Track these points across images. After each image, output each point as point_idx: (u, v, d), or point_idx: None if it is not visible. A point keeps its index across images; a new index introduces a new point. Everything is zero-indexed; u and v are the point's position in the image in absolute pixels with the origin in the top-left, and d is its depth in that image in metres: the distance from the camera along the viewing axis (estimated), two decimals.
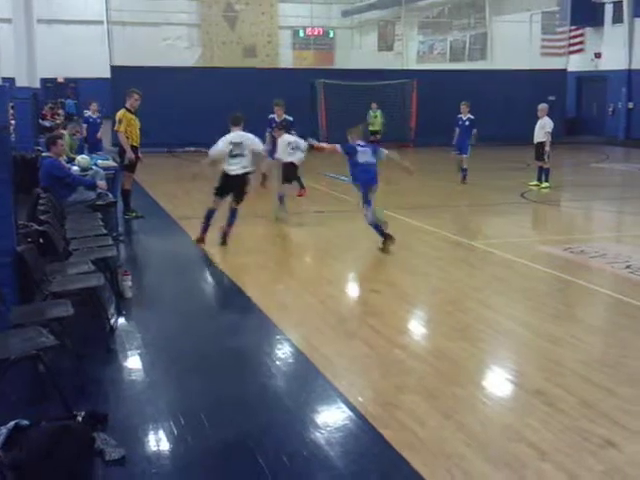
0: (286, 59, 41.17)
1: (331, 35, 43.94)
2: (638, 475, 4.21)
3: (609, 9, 28.96)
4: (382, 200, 14.39)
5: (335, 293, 8.23)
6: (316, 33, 43.05)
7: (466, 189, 16.13)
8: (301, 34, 42.83)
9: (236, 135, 10.34)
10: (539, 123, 16.18)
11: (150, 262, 10.25)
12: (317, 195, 15.51)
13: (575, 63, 30.42)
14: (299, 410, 5.16)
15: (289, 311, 7.56)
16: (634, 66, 28.22)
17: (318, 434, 4.74)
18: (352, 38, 45.51)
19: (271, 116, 15.31)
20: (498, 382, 5.80)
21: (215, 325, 7.21)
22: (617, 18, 28.66)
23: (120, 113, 12.37)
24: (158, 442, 4.68)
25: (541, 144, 16.08)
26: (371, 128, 25.26)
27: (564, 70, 29.56)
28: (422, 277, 9.00)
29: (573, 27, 29.80)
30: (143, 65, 25.30)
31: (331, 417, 5.04)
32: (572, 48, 30.42)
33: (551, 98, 27.46)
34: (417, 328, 7.29)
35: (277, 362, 6.10)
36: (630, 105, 28.37)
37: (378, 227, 10.13)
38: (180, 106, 24.20)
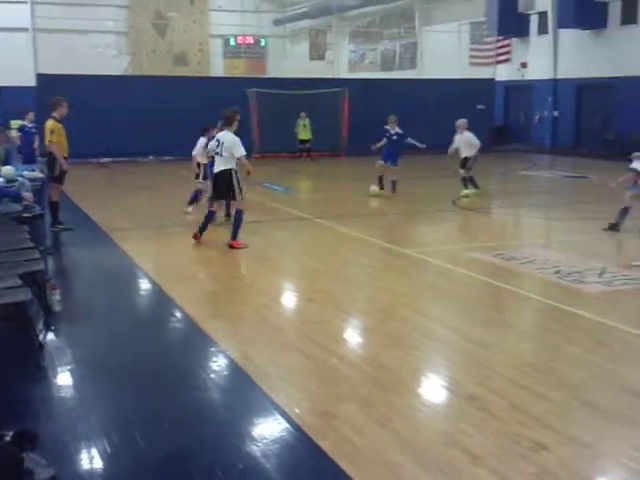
0: (217, 68, 41.04)
1: (263, 44, 43.99)
2: (568, 477, 4.30)
3: (534, 20, 29.76)
4: (315, 209, 14.50)
5: (270, 303, 8.19)
6: (247, 42, 43.03)
7: (397, 197, 16.30)
8: (232, 42, 42.75)
9: (221, 134, 10.86)
10: (462, 138, 16.37)
11: (80, 275, 10.05)
12: (253, 205, 15.45)
13: (503, 73, 31.13)
14: (235, 423, 5.11)
15: (224, 322, 7.51)
16: (559, 75, 29.04)
17: (254, 447, 4.71)
18: (284, 47, 45.61)
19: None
20: (432, 389, 5.86)
21: (148, 339, 7.09)
22: (542, 29, 29.47)
23: (50, 124, 12.07)
24: (91, 460, 4.58)
25: (467, 158, 16.33)
26: (300, 137, 25.39)
27: (492, 79, 30.22)
28: (356, 286, 9.04)
29: (500, 37, 30.51)
30: (70, 73, 24.87)
31: (267, 429, 5.01)
32: (499, 58, 31.16)
33: (480, 107, 28.08)
34: (353, 337, 7.32)
35: (212, 375, 6.04)
36: (555, 114, 29.18)
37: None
38: (108, 115, 23.84)
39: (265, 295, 8.49)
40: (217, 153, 10.76)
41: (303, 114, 25.28)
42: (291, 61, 42.99)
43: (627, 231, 12.06)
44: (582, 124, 28.27)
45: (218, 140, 10.79)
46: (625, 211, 11.68)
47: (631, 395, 5.44)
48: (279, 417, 5.13)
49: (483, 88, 29.37)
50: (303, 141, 25.42)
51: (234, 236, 10.76)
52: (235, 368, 6.12)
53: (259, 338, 6.88)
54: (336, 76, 35.20)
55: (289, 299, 8.84)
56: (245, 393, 5.62)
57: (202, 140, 13.49)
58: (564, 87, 28.70)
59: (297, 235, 12.07)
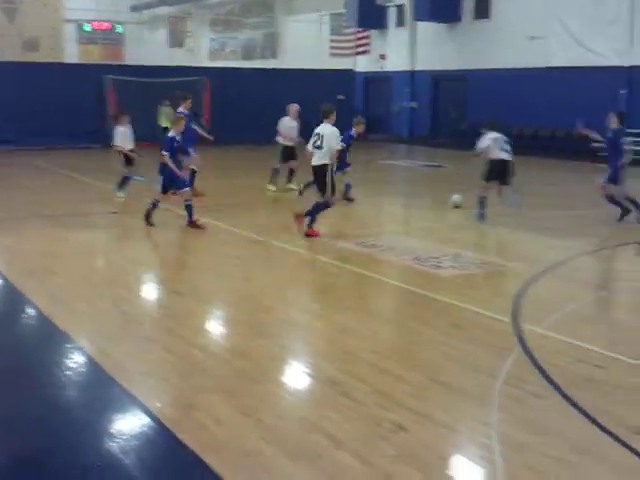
0: (71, 54, 39.55)
1: (119, 30, 42.77)
2: (427, 456, 4.43)
3: (393, 12, 30.44)
4: (178, 199, 14.22)
5: (131, 297, 7.99)
6: (103, 27, 41.74)
7: (260, 187, 16.24)
8: (87, 28, 41.33)
9: (320, 127, 10.56)
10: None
11: None
12: (107, 196, 15.02)
13: (362, 64, 31.69)
14: (92, 420, 4.94)
15: (81, 318, 7.24)
16: (416, 67, 29.88)
17: (113, 444, 4.57)
18: (142, 34, 44.54)
19: None
20: (295, 376, 5.89)
21: None
22: (400, 21, 30.21)
23: None
24: None
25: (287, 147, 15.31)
26: (164, 125, 24.87)
27: (352, 70, 30.71)
28: (221, 277, 8.96)
29: (360, 29, 31.02)
30: None
31: (127, 425, 4.88)
32: (359, 49, 31.68)
33: (340, 97, 28.45)
34: (216, 328, 7.25)
35: (67, 372, 5.81)
36: (413, 104, 30.01)
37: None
38: None
39: (125, 288, 8.27)
40: (318, 147, 10.49)
41: (166, 102, 24.76)
42: (149, 48, 42.06)
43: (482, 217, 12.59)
44: (438, 115, 29.25)
45: (318, 133, 10.53)
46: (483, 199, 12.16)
47: (483, 374, 5.67)
48: (139, 412, 5.01)
49: (343, 79, 29.82)
50: (165, 129, 24.92)
51: (310, 222, 10.63)
52: (93, 364, 5.92)
53: (118, 333, 6.69)
54: (197, 65, 34.70)
55: (150, 292, 8.66)
56: (103, 389, 5.46)
57: (121, 130, 13.71)
58: (421, 79, 29.56)
59: (159, 226, 11.80)
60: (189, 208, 11.33)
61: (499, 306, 7.34)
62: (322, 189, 10.65)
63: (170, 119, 22.19)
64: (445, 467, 4.37)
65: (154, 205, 11.38)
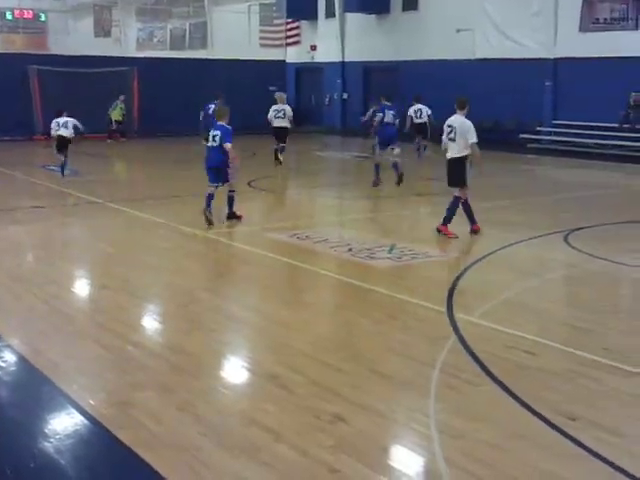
0: None
1: (43, 19, 41.66)
2: (365, 445, 4.45)
3: (322, 3, 30.46)
4: (106, 192, 14.00)
5: (61, 293, 7.81)
6: (26, 16, 40.56)
7: (191, 178, 16.05)
8: (9, 16, 40.10)
9: (453, 118, 10.35)
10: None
11: None
12: (32, 189, 14.67)
13: (293, 55, 31.63)
14: (24, 420, 4.83)
15: (9, 315, 7.06)
16: (347, 58, 29.97)
17: (47, 443, 4.46)
18: (66, 23, 43.44)
19: None
20: (233, 370, 5.86)
21: None
22: (330, 13, 30.24)
23: None
24: None
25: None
26: (116, 118, 24.87)
27: (283, 61, 30.62)
28: (153, 270, 8.84)
29: (289, 20, 30.94)
30: None
31: (60, 424, 4.77)
32: (289, 40, 31.61)
33: (272, 88, 28.30)
34: (150, 323, 7.14)
35: None
36: (345, 96, 30.12)
37: None
38: None
39: (54, 284, 8.07)
40: (452, 139, 10.27)
41: (122, 97, 24.88)
42: (74, 38, 41.05)
43: (411, 207, 12.75)
44: (370, 106, 29.38)
45: (450, 125, 10.31)
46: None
47: (419, 364, 5.73)
48: (73, 410, 4.90)
49: (274, 70, 29.71)
50: (117, 122, 24.93)
51: (445, 221, 10.27)
52: (23, 363, 5.78)
53: (49, 330, 6.53)
54: (124, 54, 34.05)
55: (81, 287, 8.48)
56: (35, 388, 5.33)
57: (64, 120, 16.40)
58: (352, 70, 29.67)
59: (87, 220, 11.59)
60: (232, 199, 11.21)
61: (434, 296, 7.42)
62: (458, 182, 10.42)
63: (122, 115, 23.00)
64: (385, 456, 4.41)
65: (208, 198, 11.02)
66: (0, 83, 23.41)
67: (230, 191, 11.20)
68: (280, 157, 17.70)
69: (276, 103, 18.02)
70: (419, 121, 19.40)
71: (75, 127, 16.51)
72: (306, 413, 4.86)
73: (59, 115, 16.81)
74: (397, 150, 15.00)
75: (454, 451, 4.36)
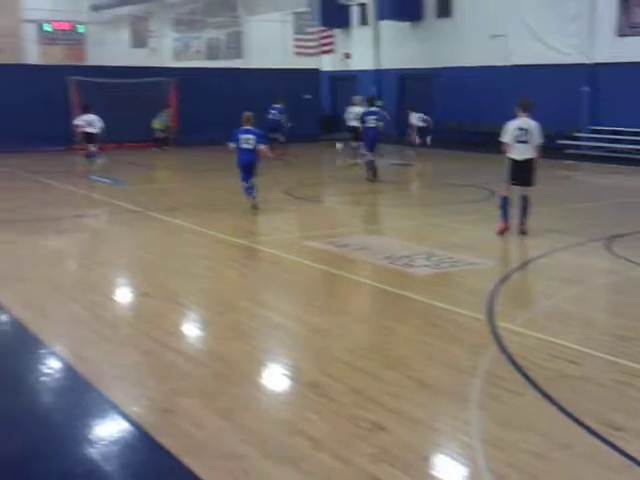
0: (32, 55, 38.97)
1: (81, 30, 42.25)
2: (406, 454, 4.44)
3: (356, 11, 30.51)
4: (146, 201, 14.17)
5: (103, 300, 7.91)
6: (64, 28, 41.21)
7: (228, 187, 16.18)
8: (47, 28, 40.75)
9: (523, 121, 10.52)
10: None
11: None
12: (76, 199, 14.89)
13: (328, 63, 31.70)
14: (71, 426, 4.90)
15: (53, 322, 7.16)
16: (381, 66, 29.97)
17: (92, 449, 4.53)
18: (104, 34, 44.05)
19: None
20: (273, 378, 5.88)
21: None
22: (363, 20, 30.29)
23: None
24: None
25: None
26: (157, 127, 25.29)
27: (317, 70, 30.70)
28: (192, 278, 8.90)
29: (323, 28, 31.04)
30: None
31: (106, 430, 4.84)
32: (323, 48, 31.67)
33: (307, 97, 28.47)
34: (190, 330, 7.21)
35: (43, 378, 5.75)
36: (380, 103, 30.04)
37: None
38: None
39: (97, 292, 8.18)
40: (523, 141, 10.50)
41: (165, 110, 25.44)
42: (112, 49, 41.59)
43: (449, 215, 12.71)
44: (405, 113, 29.33)
45: (521, 127, 10.51)
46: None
47: (460, 372, 5.71)
48: (117, 417, 4.97)
49: (309, 78, 29.78)
50: (159, 131, 25.32)
51: (524, 221, 10.73)
52: (68, 370, 5.86)
53: (93, 337, 6.62)
54: (161, 65, 34.42)
55: (122, 295, 8.58)
56: (80, 395, 5.40)
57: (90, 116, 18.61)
58: (387, 77, 29.66)
59: (129, 229, 11.73)
60: (251, 191, 13.00)
61: (474, 304, 7.38)
62: (529, 182, 10.66)
63: (164, 124, 23.45)
64: (427, 466, 4.40)
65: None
66: (40, 94, 23.76)
67: (249, 187, 13.00)
68: (359, 160, 18.63)
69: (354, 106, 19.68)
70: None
71: (99, 124, 18.53)
72: (347, 421, 4.87)
73: (86, 111, 18.85)
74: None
75: (498, 461, 4.33)
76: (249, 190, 13.00)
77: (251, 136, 12.69)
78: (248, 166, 12.80)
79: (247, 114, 13.03)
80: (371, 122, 17.00)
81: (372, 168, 17.03)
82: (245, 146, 12.70)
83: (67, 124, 21.89)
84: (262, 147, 12.80)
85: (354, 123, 19.33)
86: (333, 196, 16.33)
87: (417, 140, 23.82)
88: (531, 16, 23.84)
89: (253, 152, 12.77)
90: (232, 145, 12.90)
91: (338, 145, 24.56)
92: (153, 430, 4.74)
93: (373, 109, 17.59)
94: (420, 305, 7.61)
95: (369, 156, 17.14)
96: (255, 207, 13.00)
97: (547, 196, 14.16)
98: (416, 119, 23.98)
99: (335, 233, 11.25)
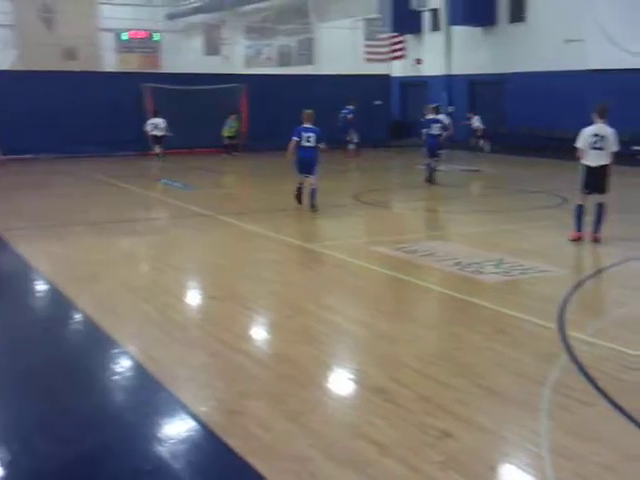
0: (110, 62, 40.03)
1: (156, 38, 43.22)
2: (473, 462, 4.40)
3: (427, 17, 30.36)
4: (216, 205, 14.38)
5: (173, 302, 8.05)
6: (140, 36, 42.22)
7: (289, 191, 16.28)
8: (124, 37, 41.82)
9: (599, 127, 10.41)
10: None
11: None
12: (148, 202, 15.22)
13: (398, 69, 31.62)
14: (141, 424, 5.00)
15: (125, 323, 7.32)
16: (453, 72, 29.74)
17: (161, 448, 4.61)
18: (178, 42, 44.94)
19: None
20: (340, 382, 5.89)
21: (45, 342, 6.83)
22: (435, 26, 30.12)
23: None
24: None
25: None
26: (227, 134, 25.56)
27: (388, 75, 30.65)
28: (260, 282, 8.99)
29: (394, 34, 30.98)
30: None
31: (174, 429, 4.92)
32: (394, 54, 31.62)
33: (377, 102, 28.46)
34: (258, 333, 7.28)
35: (115, 376, 5.89)
36: (450, 109, 29.84)
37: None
38: None
39: (168, 294, 8.34)
40: (598, 148, 10.40)
41: (233, 116, 25.56)
42: (185, 56, 42.41)
43: (520, 221, 12.52)
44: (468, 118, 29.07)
45: (597, 134, 10.41)
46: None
47: (529, 381, 5.62)
48: (186, 417, 5.05)
49: (379, 84, 29.76)
50: (229, 137, 25.60)
51: (598, 229, 10.57)
52: (139, 369, 5.99)
53: (163, 338, 6.75)
54: (233, 71, 34.90)
55: (192, 297, 8.73)
56: (150, 394, 5.51)
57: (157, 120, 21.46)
58: (457, 83, 29.42)
59: (199, 232, 11.92)
60: (315, 192, 13.38)
61: (545, 312, 7.25)
62: (603, 189, 10.52)
63: (233, 131, 25.47)
64: (494, 475, 4.34)
65: (299, 189, 13.59)
66: (116, 101, 24.39)
67: (313, 186, 13.37)
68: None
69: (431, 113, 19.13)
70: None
71: (164, 128, 20.75)
72: (414, 428, 4.84)
73: (156, 115, 21.30)
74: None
75: (567, 472, 4.25)
76: (312, 192, 13.38)
77: (312, 134, 13.12)
78: (309, 163, 13.19)
79: (308, 111, 13.38)
80: (435, 129, 17.44)
81: (430, 172, 17.49)
82: (306, 144, 13.10)
83: (140, 129, 22.44)
84: (322, 145, 13.26)
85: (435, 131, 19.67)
86: (401, 202, 16.28)
87: (481, 143, 25.27)
88: (608, 20, 23.30)
89: (314, 149, 13.21)
90: (295, 139, 13.22)
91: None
92: (220, 431, 4.80)
93: (439, 117, 18.21)
94: (489, 312, 7.52)
95: (429, 161, 17.63)
96: (314, 207, 13.34)
97: (621, 203, 13.81)
98: (477, 122, 25.58)
99: (403, 239, 11.20)
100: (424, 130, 17.71)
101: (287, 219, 13.26)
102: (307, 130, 13.16)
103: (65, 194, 16.32)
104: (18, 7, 38.00)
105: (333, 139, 18.46)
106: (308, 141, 13.09)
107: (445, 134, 18.06)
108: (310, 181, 13.43)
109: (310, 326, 7.15)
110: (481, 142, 25.40)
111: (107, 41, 41.21)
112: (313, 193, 13.41)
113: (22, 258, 9.95)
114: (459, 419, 4.95)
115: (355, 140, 24.27)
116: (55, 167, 21.58)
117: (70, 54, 38.84)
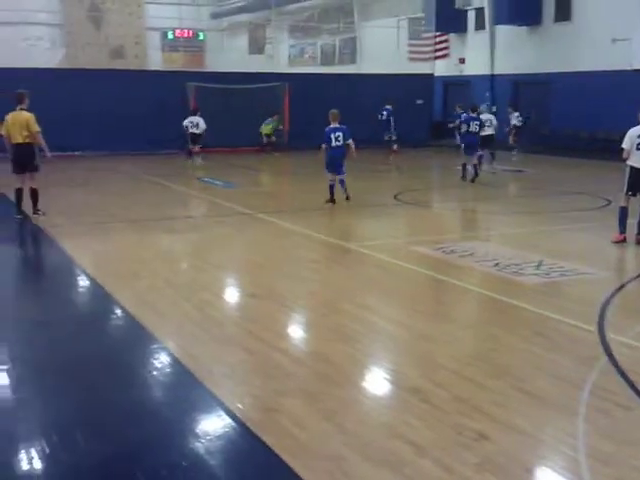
0: (155, 61, 40.41)
1: (201, 37, 43.51)
2: (509, 464, 4.37)
3: (472, 16, 30.13)
4: (256, 204, 14.46)
5: (211, 299, 8.13)
6: (186, 35, 42.56)
7: (337, 192, 16.30)
8: (170, 36, 42.19)
9: None
10: None
11: (8, 269, 9.81)
12: (188, 200, 15.36)
13: (441, 68, 31.44)
14: (178, 420, 5.06)
15: (165, 319, 7.41)
16: (496, 71, 29.48)
17: (198, 444, 4.66)
18: (223, 41, 45.21)
19: None
20: (376, 381, 5.90)
21: (87, 337, 6.94)
22: (479, 25, 29.88)
23: (30, 115, 12.42)
24: (30, 463, 4.46)
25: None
26: (265, 132, 25.77)
27: (431, 75, 30.48)
28: (298, 280, 9.03)
29: (438, 33, 30.80)
30: (1, 66, 24.17)
31: (211, 426, 4.97)
32: (438, 53, 31.44)
33: (419, 102, 28.32)
34: (295, 332, 7.32)
35: (154, 372, 5.97)
36: (494, 109, 29.56)
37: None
38: (43, 109, 23.20)
39: (206, 291, 8.42)
40: None
41: (274, 117, 25.74)
42: (230, 55, 42.61)
43: (561, 223, 12.37)
44: (506, 113, 28.75)
45: None
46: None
47: (568, 384, 5.56)
48: (222, 413, 5.09)
49: (422, 83, 29.62)
50: (267, 136, 25.71)
51: None
52: (177, 365, 6.05)
53: (201, 334, 6.82)
54: (276, 70, 35.02)
55: (231, 295, 8.80)
56: (188, 390, 5.57)
57: (196, 118, 21.07)
58: (501, 83, 29.15)
59: (238, 230, 12.00)
60: (343, 182, 14.04)
61: (584, 314, 7.17)
62: None
63: (272, 130, 25.73)
64: (530, 477, 4.32)
65: (331, 187, 13.94)
66: (161, 99, 24.64)
67: (342, 179, 14.00)
68: (479, 169, 18.48)
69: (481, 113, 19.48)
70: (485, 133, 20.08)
71: (202, 126, 20.59)
72: (450, 429, 4.82)
73: (194, 113, 21.15)
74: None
75: (604, 476, 4.21)
76: (341, 183, 13.95)
77: (340, 133, 13.64)
78: (338, 160, 13.72)
79: (333, 111, 13.82)
80: (474, 127, 18.15)
81: (475, 170, 17.88)
82: (336, 143, 13.65)
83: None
84: (350, 142, 13.77)
85: (488, 131, 19.55)
86: (441, 202, 16.21)
87: (511, 140, 24.41)
88: None
89: (342, 148, 13.75)
90: (324, 146, 13.74)
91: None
92: (256, 428, 4.84)
93: (482, 116, 18.75)
94: (528, 314, 7.45)
95: (465, 159, 18.25)
96: (348, 198, 14.02)
97: None
98: (515, 119, 24.47)
99: (442, 239, 11.15)
100: (462, 125, 18.52)
101: (326, 218, 13.29)
102: (335, 130, 13.67)
103: (107, 191, 16.54)
104: (67, 7, 38.62)
105: (374, 139, 18.45)
106: (337, 140, 13.62)
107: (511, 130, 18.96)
108: (341, 177, 13.92)
109: (347, 325, 7.16)
110: (510, 139, 24.60)
111: (153, 40, 41.65)
112: (342, 183, 13.97)
113: (66, 254, 10.12)
114: (495, 421, 4.92)
115: (394, 138, 24.29)
116: (99, 164, 21.90)
117: (117, 53, 39.37)
